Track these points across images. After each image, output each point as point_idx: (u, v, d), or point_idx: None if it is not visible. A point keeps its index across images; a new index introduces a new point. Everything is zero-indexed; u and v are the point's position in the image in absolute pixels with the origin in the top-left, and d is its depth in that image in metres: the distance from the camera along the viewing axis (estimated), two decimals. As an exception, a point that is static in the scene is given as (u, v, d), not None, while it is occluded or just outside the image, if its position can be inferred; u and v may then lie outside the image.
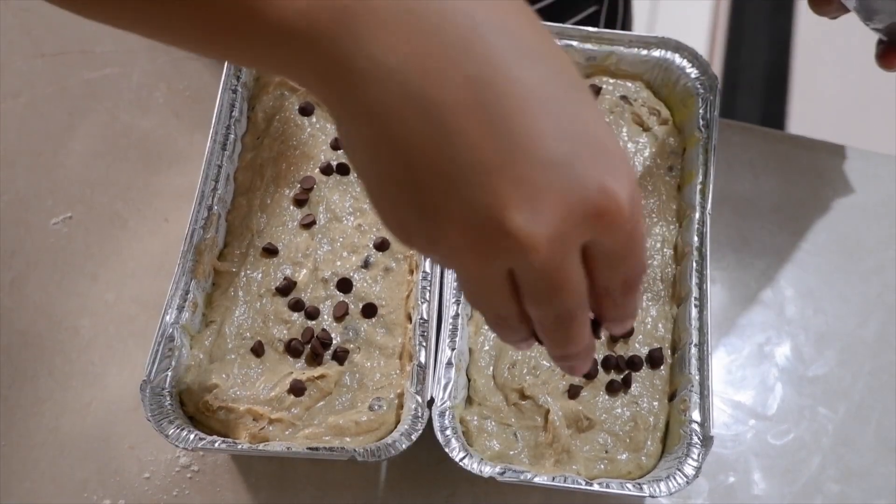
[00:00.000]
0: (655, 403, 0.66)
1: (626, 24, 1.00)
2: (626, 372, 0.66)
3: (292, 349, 0.66)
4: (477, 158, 0.36)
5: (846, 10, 0.65)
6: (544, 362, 0.67)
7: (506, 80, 0.36)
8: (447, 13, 0.36)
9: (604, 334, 0.68)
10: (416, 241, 0.40)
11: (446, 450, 0.61)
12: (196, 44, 0.41)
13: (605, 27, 0.94)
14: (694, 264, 0.68)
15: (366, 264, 0.70)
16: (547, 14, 0.86)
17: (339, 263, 0.70)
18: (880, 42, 0.67)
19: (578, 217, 0.37)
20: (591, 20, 0.91)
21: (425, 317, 0.65)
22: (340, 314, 0.68)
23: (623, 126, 0.75)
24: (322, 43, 0.37)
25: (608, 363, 0.66)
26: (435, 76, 0.36)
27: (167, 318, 0.64)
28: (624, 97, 0.76)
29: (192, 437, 0.61)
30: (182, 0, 0.38)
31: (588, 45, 0.75)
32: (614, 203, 0.37)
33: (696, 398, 0.63)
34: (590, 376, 0.66)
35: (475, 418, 0.65)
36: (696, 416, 0.63)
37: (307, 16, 0.37)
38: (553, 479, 0.60)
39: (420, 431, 0.61)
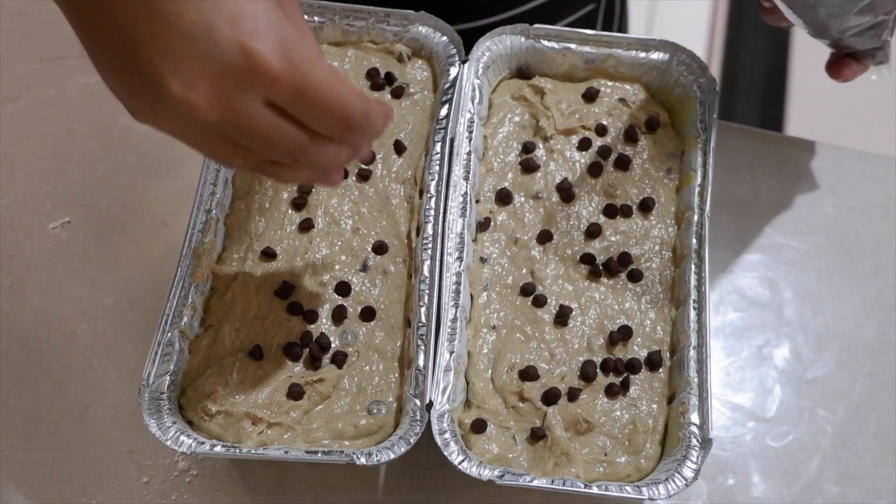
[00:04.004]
0: (654, 406, 0.66)
1: (623, 23, 1.00)
2: (625, 375, 0.66)
3: (291, 353, 0.66)
4: (136, 35, 0.42)
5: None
6: (543, 365, 0.67)
7: None
8: None
9: (602, 339, 0.68)
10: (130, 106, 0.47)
11: (445, 453, 0.61)
12: None
13: (603, 25, 0.94)
14: (693, 266, 0.68)
15: (364, 268, 0.70)
16: (544, 12, 0.86)
17: (337, 267, 0.70)
18: (832, 54, 0.69)
19: (229, 77, 0.43)
20: (589, 18, 0.91)
21: (424, 320, 0.65)
22: (339, 318, 0.68)
23: (621, 128, 0.75)
24: None
25: (607, 366, 0.66)
26: None
27: (166, 322, 0.64)
28: (622, 99, 0.76)
29: (190, 441, 0.61)
30: None
31: (586, 48, 0.75)
32: (256, 60, 0.43)
33: (694, 400, 0.63)
34: (588, 378, 0.66)
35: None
36: (694, 418, 0.63)
37: None
38: (552, 481, 0.60)
39: (419, 435, 0.61)
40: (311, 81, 0.45)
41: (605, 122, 0.75)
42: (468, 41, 0.75)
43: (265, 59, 0.43)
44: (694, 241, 0.69)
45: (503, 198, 0.72)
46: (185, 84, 0.43)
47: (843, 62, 0.68)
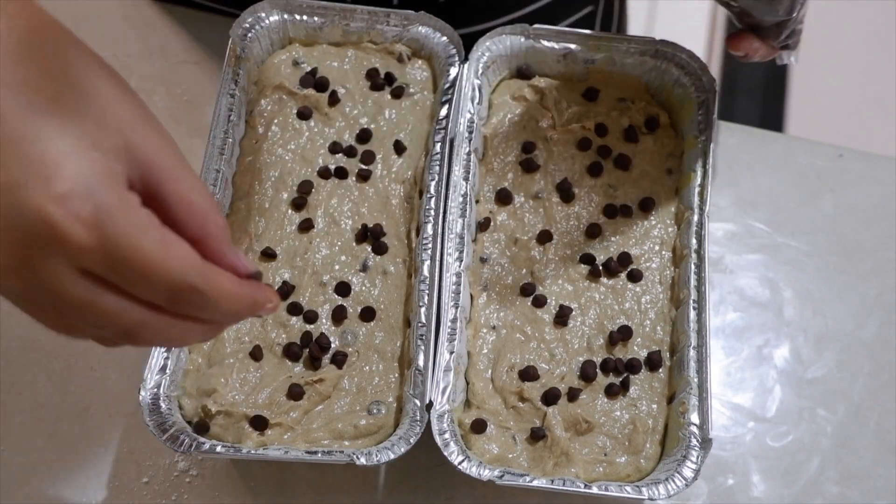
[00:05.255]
0: (654, 406, 0.66)
1: (622, 25, 1.00)
2: (625, 375, 0.66)
3: (291, 353, 0.66)
4: None
5: None
6: (543, 365, 0.67)
7: None
8: None
9: (602, 339, 0.68)
10: None
11: (445, 453, 0.61)
12: None
13: (601, 27, 0.94)
14: (692, 266, 0.68)
15: (364, 268, 0.70)
16: (543, 14, 0.86)
17: (337, 267, 0.70)
18: (732, 25, 0.67)
19: (30, 244, 0.38)
20: (587, 20, 0.91)
21: (424, 320, 0.65)
22: (339, 318, 0.68)
23: (621, 129, 0.75)
24: None
25: (607, 366, 0.66)
26: None
27: (166, 322, 0.64)
28: (622, 99, 0.76)
29: (190, 441, 0.61)
30: None
31: (586, 48, 0.75)
32: (60, 230, 0.38)
33: (694, 400, 0.63)
34: (588, 378, 0.66)
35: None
36: (694, 418, 0.63)
37: None
38: (552, 482, 0.60)
39: (419, 435, 0.61)
40: (125, 252, 0.39)
41: (604, 122, 0.75)
42: (468, 45, 0.75)
43: (68, 228, 0.38)
44: (694, 241, 0.69)
45: (503, 198, 0.72)
46: None
47: (742, 34, 0.66)
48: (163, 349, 0.63)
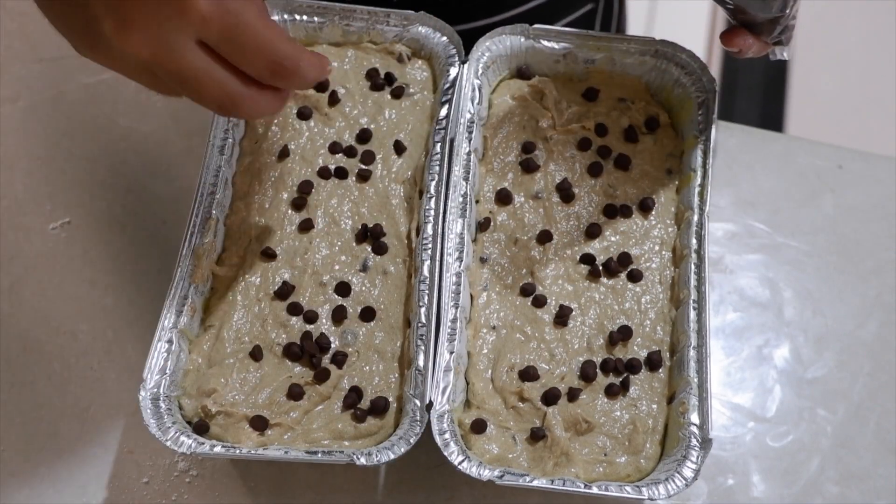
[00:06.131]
0: (654, 406, 0.66)
1: (622, 22, 1.00)
2: (625, 375, 0.66)
3: (291, 353, 0.66)
4: None
5: None
6: (543, 365, 0.67)
7: None
8: None
9: (602, 339, 0.68)
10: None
11: (445, 453, 0.61)
12: None
13: (601, 24, 0.94)
14: (692, 266, 0.68)
15: (364, 268, 0.70)
16: (543, 12, 0.86)
17: (337, 267, 0.70)
18: (728, 22, 0.67)
19: (161, 18, 0.45)
20: (588, 17, 0.91)
21: (423, 320, 0.65)
22: (339, 318, 0.68)
23: (621, 129, 0.75)
24: None
25: (607, 366, 0.66)
26: None
27: (166, 322, 0.64)
28: (622, 99, 0.76)
29: (190, 441, 0.61)
30: None
31: (586, 48, 0.75)
32: (186, 2, 0.45)
33: (694, 401, 0.63)
34: (588, 378, 0.66)
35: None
36: (694, 418, 0.63)
37: None
38: (552, 482, 0.60)
39: (419, 435, 0.61)
40: (241, 22, 0.47)
41: (604, 122, 0.75)
42: (467, 42, 0.75)
43: (192, 2, 0.45)
44: (694, 241, 0.69)
45: (503, 198, 0.72)
46: (119, 24, 0.45)
47: (736, 30, 0.67)
48: (163, 349, 0.63)
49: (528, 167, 0.73)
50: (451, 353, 0.64)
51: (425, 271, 0.67)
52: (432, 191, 0.70)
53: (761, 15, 0.64)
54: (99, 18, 0.46)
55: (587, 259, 0.70)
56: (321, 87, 0.75)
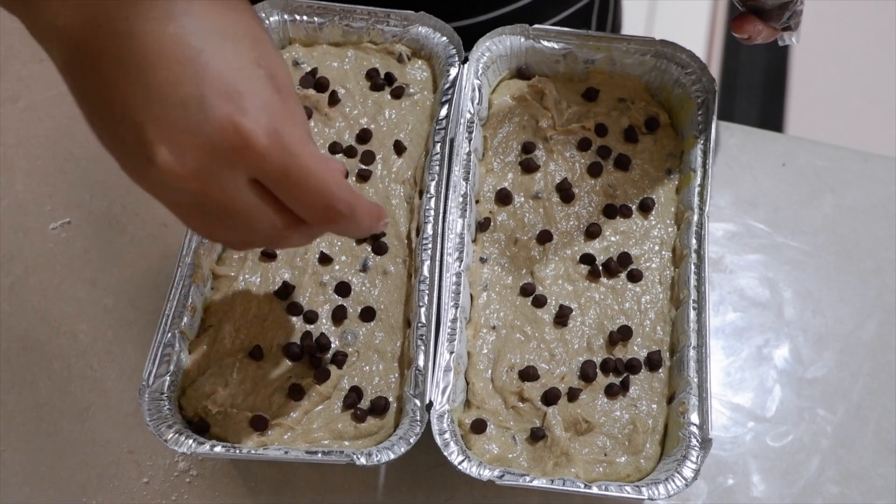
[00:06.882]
0: (654, 406, 0.66)
1: (617, 16, 1.00)
2: (625, 375, 0.66)
3: (291, 353, 0.66)
4: (129, 101, 0.42)
5: None
6: (543, 365, 0.67)
7: (143, 35, 0.42)
8: None
9: (602, 339, 0.68)
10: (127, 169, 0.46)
11: (445, 453, 0.61)
12: None
13: (598, 18, 0.94)
14: (692, 266, 0.68)
15: (364, 268, 0.70)
16: (540, 7, 0.86)
17: (337, 267, 0.70)
18: (735, 8, 0.68)
19: (217, 152, 0.43)
20: (584, 12, 0.91)
21: (423, 320, 0.65)
22: (339, 318, 0.68)
23: (621, 129, 0.75)
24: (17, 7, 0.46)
25: (607, 366, 0.66)
26: (93, 31, 0.42)
27: (166, 322, 0.64)
28: (622, 100, 0.76)
29: (190, 441, 0.61)
30: None
31: (586, 48, 0.75)
32: (245, 138, 0.42)
33: (694, 401, 0.63)
34: (588, 378, 0.66)
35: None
36: (694, 418, 0.63)
37: None
38: (552, 482, 0.60)
39: (419, 435, 0.61)
40: (298, 163, 0.44)
41: (604, 122, 0.75)
42: (466, 38, 0.75)
43: (255, 137, 0.43)
44: (694, 241, 0.69)
45: (503, 198, 0.72)
46: (172, 153, 0.43)
47: (745, 17, 0.67)
48: (163, 349, 0.63)
49: (528, 167, 0.73)
50: (451, 353, 0.64)
51: (425, 271, 0.67)
52: (432, 191, 0.70)
53: (770, 1, 0.65)
54: (152, 146, 0.43)
55: (587, 259, 0.70)
56: (321, 87, 0.75)
